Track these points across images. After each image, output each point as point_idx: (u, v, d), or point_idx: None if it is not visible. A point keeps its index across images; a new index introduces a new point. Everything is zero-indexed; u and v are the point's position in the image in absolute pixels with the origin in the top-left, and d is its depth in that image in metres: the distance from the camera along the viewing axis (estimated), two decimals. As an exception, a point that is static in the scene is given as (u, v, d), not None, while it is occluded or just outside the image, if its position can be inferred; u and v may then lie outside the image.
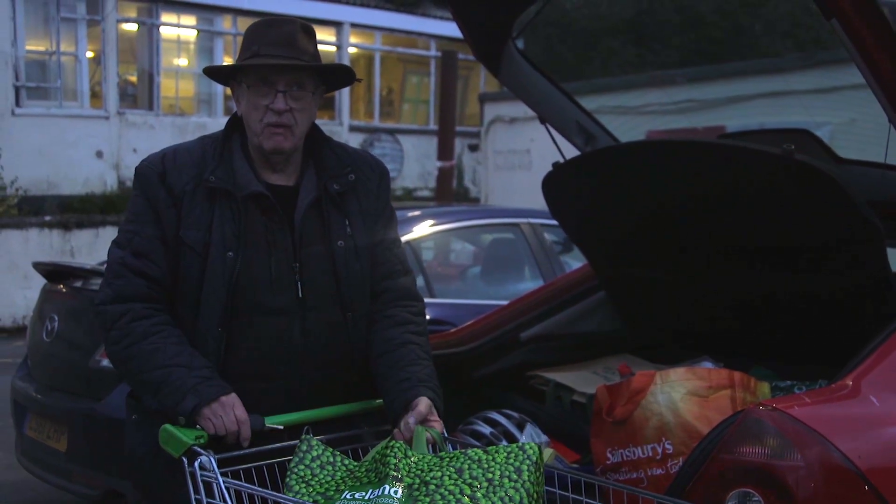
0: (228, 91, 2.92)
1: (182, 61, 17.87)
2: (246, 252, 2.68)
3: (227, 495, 2.38)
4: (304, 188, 2.79)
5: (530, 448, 2.46)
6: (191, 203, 2.68)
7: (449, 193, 13.37)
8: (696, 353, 3.60)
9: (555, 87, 3.90)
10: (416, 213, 6.48)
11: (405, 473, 2.38)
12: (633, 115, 12.41)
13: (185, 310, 2.69)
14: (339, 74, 2.87)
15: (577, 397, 3.65)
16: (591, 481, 2.57)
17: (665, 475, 2.87)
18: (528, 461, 2.42)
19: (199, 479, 2.41)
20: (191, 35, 17.87)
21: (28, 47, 15.50)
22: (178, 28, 17.50)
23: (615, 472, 3.00)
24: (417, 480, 2.37)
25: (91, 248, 13.13)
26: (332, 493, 2.42)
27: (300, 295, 2.71)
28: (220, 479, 2.39)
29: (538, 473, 2.43)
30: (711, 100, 12.55)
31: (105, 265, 2.77)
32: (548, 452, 3.20)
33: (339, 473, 2.48)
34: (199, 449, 2.44)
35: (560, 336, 4.15)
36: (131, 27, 17.01)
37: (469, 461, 2.42)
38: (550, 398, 3.74)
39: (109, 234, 13.38)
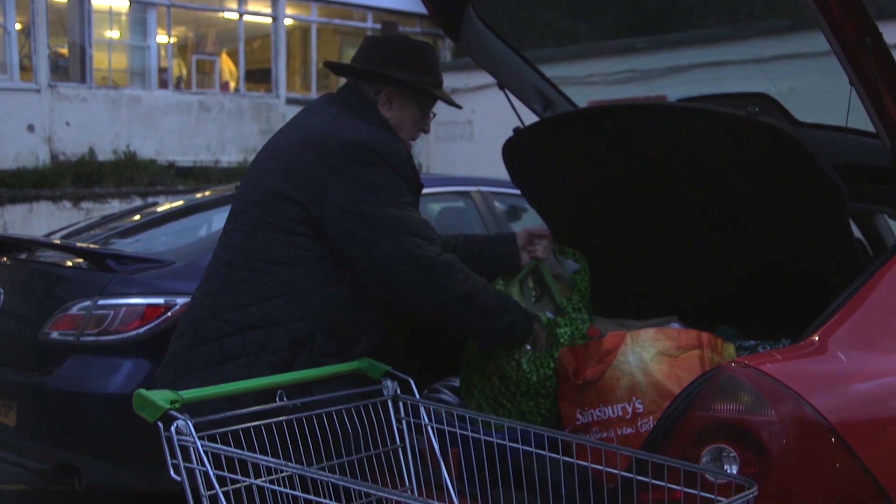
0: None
1: (114, 33, 17.49)
2: None
3: (205, 458, 2.36)
4: None
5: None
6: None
7: (391, 165, 13.30)
8: (648, 315, 3.62)
9: (514, 52, 3.90)
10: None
11: None
12: (574, 86, 12.43)
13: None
14: None
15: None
16: (569, 440, 2.58)
17: (635, 434, 2.90)
18: None
19: (176, 443, 2.38)
20: (123, 6, 17.50)
21: (-47, 19, 15.12)
22: (109, -1, 17.16)
23: (585, 432, 3.03)
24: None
25: (25, 222, 12.86)
26: None
27: None
28: (198, 443, 2.37)
29: None
30: (650, 70, 12.63)
31: (386, 226, 2.92)
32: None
33: None
34: (175, 413, 2.40)
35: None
36: (61, -2, 16.65)
37: None
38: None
39: (43, 208, 13.13)
